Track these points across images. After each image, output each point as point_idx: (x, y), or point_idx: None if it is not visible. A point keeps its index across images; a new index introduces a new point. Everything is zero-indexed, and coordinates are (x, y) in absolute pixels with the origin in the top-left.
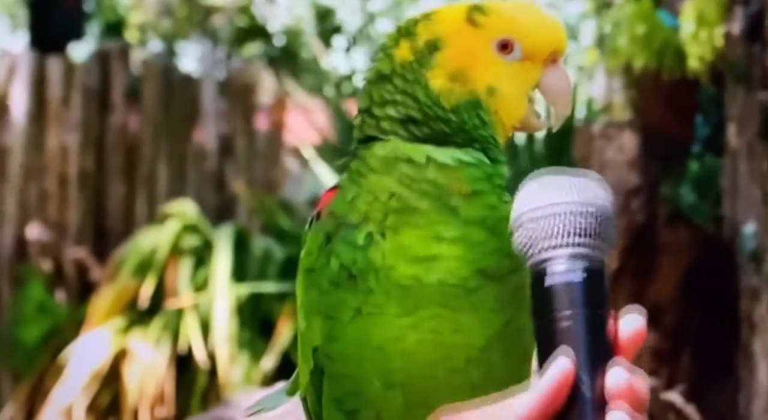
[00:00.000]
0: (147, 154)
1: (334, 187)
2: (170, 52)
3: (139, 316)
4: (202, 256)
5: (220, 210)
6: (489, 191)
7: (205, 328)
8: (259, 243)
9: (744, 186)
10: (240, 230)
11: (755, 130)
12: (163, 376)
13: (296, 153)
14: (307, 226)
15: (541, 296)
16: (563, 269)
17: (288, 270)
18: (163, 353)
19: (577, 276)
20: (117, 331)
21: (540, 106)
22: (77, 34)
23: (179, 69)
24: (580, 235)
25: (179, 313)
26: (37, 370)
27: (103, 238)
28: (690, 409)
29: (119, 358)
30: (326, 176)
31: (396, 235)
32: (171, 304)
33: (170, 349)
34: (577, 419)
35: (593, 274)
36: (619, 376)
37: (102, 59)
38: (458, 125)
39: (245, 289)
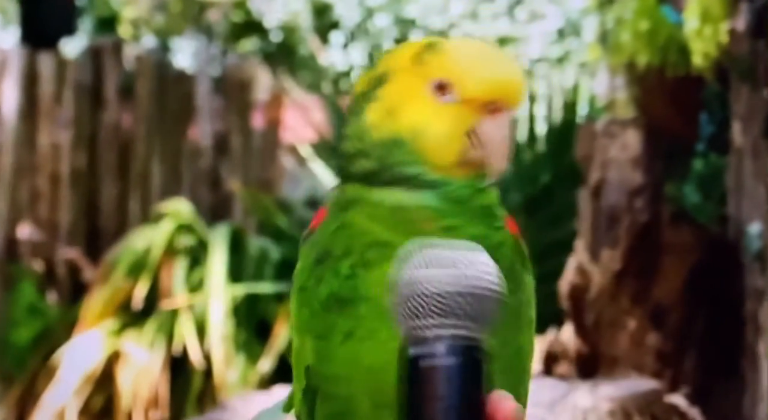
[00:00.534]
0: (141, 151)
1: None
2: (164, 48)
3: (132, 317)
4: (197, 256)
5: (215, 209)
6: (465, 224)
7: (201, 330)
8: (255, 243)
9: (749, 185)
10: (236, 230)
11: (760, 129)
12: (157, 378)
13: (293, 151)
14: (302, 241)
15: (410, 375)
16: (435, 352)
17: (285, 270)
18: (157, 355)
19: (448, 360)
20: (110, 332)
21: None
22: (69, 29)
23: (173, 65)
24: (455, 317)
25: (174, 314)
26: (29, 373)
27: (96, 237)
28: (694, 412)
29: (112, 360)
30: (323, 174)
31: (378, 268)
32: (165, 305)
33: (165, 351)
34: None
35: (466, 358)
36: None
37: (95, 55)
38: (379, 160)
39: (241, 289)
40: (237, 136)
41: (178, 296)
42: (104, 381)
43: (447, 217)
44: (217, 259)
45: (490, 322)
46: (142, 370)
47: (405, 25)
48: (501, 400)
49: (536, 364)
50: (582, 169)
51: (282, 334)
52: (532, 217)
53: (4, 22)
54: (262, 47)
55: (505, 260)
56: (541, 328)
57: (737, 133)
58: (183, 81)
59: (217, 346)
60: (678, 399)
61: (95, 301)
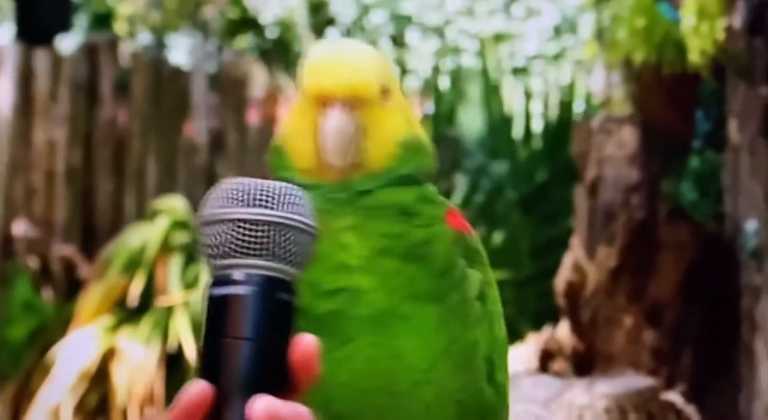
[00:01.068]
0: (136, 148)
1: None
2: (160, 45)
3: (128, 314)
4: (192, 252)
5: None
6: (363, 223)
7: (196, 326)
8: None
9: (745, 182)
10: None
11: (757, 126)
12: (152, 375)
13: None
14: None
15: (207, 307)
16: (231, 281)
17: None
18: (152, 352)
19: (244, 290)
20: (105, 329)
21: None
22: (65, 25)
23: (169, 62)
24: (254, 248)
25: (169, 311)
26: (24, 370)
27: (91, 234)
28: (690, 410)
29: (108, 357)
30: None
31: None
32: (161, 301)
33: (160, 348)
34: None
35: (265, 289)
36: (256, 406)
37: (90, 52)
38: (271, 168)
39: None
40: (233, 132)
41: (173, 293)
42: (99, 378)
43: (336, 218)
44: None
45: (297, 257)
46: (137, 367)
47: (401, 21)
48: (303, 338)
49: (532, 361)
50: (578, 166)
51: None
52: (528, 214)
53: None
54: (258, 44)
55: (437, 257)
56: (537, 325)
57: (734, 130)
58: (178, 78)
59: None
60: (674, 396)
61: (90, 298)
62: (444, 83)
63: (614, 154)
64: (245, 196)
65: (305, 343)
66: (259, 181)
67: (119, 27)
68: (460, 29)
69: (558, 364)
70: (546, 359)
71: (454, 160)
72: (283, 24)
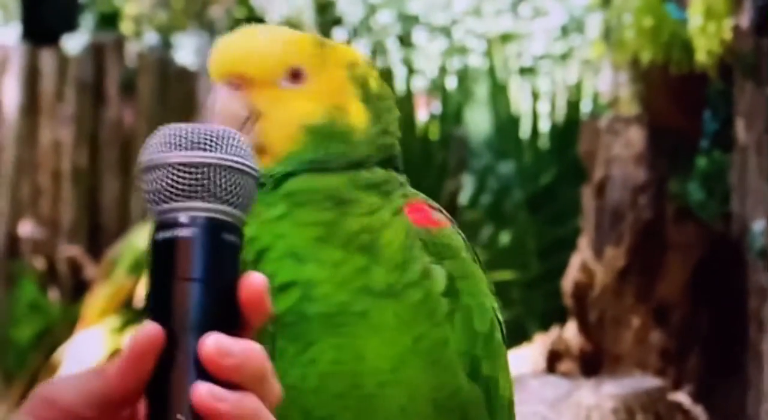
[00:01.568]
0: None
1: None
2: (166, 45)
3: (134, 315)
4: None
5: None
6: (290, 211)
7: None
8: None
9: (753, 182)
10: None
11: (764, 126)
12: None
13: None
14: None
15: (152, 252)
16: (174, 224)
17: None
18: None
19: (189, 232)
20: (111, 330)
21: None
22: (71, 25)
23: (175, 61)
24: (195, 190)
25: None
26: (30, 370)
27: (97, 235)
28: (698, 410)
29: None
30: None
31: (260, 265)
32: None
33: None
34: (177, 383)
35: (209, 232)
36: (207, 344)
37: (96, 52)
38: None
39: None
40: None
41: None
42: None
43: (266, 207)
44: None
45: (239, 199)
46: None
47: (408, 21)
48: (251, 277)
49: (539, 361)
50: (585, 166)
51: None
52: (535, 214)
53: (5, 18)
54: None
55: (388, 250)
56: (544, 326)
57: (741, 130)
58: (185, 77)
59: None
60: (681, 396)
61: (96, 299)
62: (451, 83)
63: (621, 154)
64: (184, 141)
65: (253, 282)
66: (197, 124)
67: (125, 27)
68: (467, 29)
69: (565, 365)
70: (553, 360)
71: (461, 160)
72: (290, 24)
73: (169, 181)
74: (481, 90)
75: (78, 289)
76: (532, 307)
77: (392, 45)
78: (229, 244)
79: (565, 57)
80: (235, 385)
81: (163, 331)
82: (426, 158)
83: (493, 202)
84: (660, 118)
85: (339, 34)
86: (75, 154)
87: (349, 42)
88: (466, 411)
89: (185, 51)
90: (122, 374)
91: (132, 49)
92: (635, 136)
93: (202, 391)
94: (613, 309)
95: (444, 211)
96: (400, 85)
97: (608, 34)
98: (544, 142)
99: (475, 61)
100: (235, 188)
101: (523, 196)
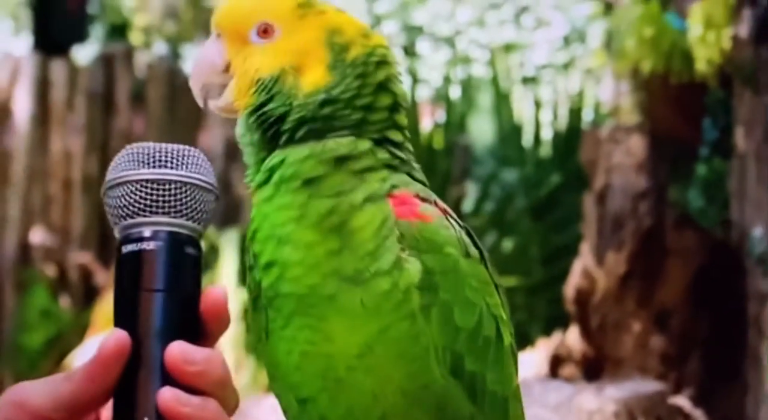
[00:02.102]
0: None
1: None
2: (175, 55)
3: None
4: (208, 260)
5: (225, 214)
6: (297, 190)
7: None
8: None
9: (752, 189)
10: (246, 234)
11: (763, 133)
12: None
13: None
14: None
15: (118, 264)
16: (138, 238)
17: None
18: None
19: (153, 245)
20: None
21: None
22: (81, 36)
23: (184, 72)
24: (158, 206)
25: None
26: (41, 376)
27: (108, 242)
28: (698, 413)
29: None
30: None
31: (252, 244)
32: None
33: None
34: (144, 388)
35: (172, 246)
36: (172, 352)
37: (106, 62)
38: None
39: None
40: None
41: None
42: None
43: (258, 188)
44: (228, 263)
45: (200, 214)
46: None
47: (413, 32)
48: (213, 290)
49: (542, 366)
50: (587, 174)
51: None
52: (538, 221)
53: (16, 29)
54: None
55: (360, 235)
56: (547, 331)
57: (740, 138)
58: None
59: (228, 349)
60: (682, 400)
61: (107, 305)
62: (455, 92)
63: (623, 162)
64: (147, 158)
65: (214, 294)
66: (160, 144)
67: (135, 37)
68: (471, 39)
69: (568, 369)
70: (556, 364)
71: (465, 168)
72: None
73: (134, 198)
74: (485, 99)
75: (88, 295)
76: (535, 312)
77: (397, 55)
78: (191, 257)
79: (567, 66)
80: (198, 390)
81: (130, 338)
82: (430, 166)
83: (496, 209)
84: (660, 126)
85: None
86: (85, 163)
87: None
88: (442, 404)
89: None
90: (90, 379)
91: (141, 59)
92: (636, 145)
93: (168, 395)
94: (615, 314)
95: (440, 202)
96: None
97: (609, 44)
98: (546, 151)
99: (479, 70)
100: (196, 204)
101: (526, 203)
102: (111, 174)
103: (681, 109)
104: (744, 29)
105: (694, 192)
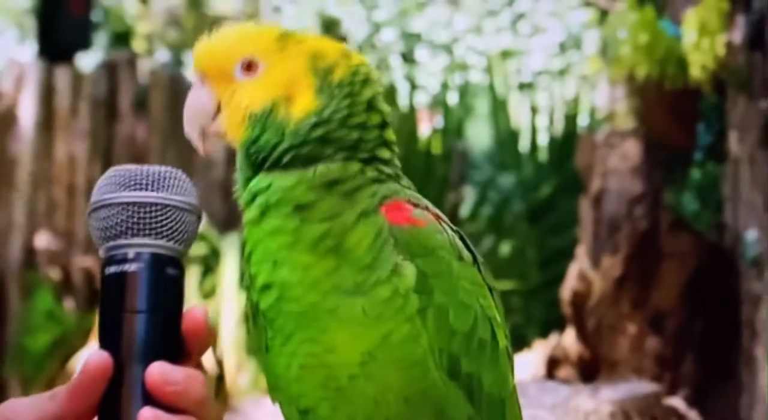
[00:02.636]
0: (154, 163)
1: None
2: (178, 62)
3: None
4: (209, 264)
5: (227, 219)
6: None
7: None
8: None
9: (745, 193)
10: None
11: (757, 138)
12: None
13: None
14: None
15: (102, 285)
16: (121, 259)
17: None
18: None
19: (135, 267)
20: None
21: None
22: (85, 43)
23: (187, 78)
24: (140, 228)
25: None
26: (46, 378)
27: None
28: (692, 414)
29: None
30: None
31: (249, 267)
32: None
33: None
34: (125, 408)
35: (153, 267)
36: (152, 372)
37: (110, 69)
38: None
39: None
40: None
41: (191, 303)
42: None
43: (246, 209)
44: (229, 267)
45: (182, 235)
46: None
47: (411, 39)
48: (193, 310)
49: (539, 368)
50: (583, 179)
51: None
52: (534, 226)
53: (21, 36)
54: None
55: (357, 250)
56: (543, 333)
57: (734, 142)
58: None
59: (229, 351)
60: (677, 401)
61: None
62: (452, 98)
63: (618, 166)
64: (128, 181)
65: (194, 315)
66: (143, 166)
67: (138, 45)
68: (468, 46)
69: (564, 371)
70: (552, 366)
71: (462, 173)
72: None
73: (117, 220)
74: (482, 105)
75: (93, 298)
76: (531, 315)
77: (396, 62)
78: (172, 278)
79: (563, 73)
80: (179, 409)
81: (111, 359)
82: (428, 171)
83: (493, 213)
84: (655, 131)
85: None
86: (89, 169)
87: None
88: (441, 408)
89: None
90: (73, 398)
91: (144, 66)
92: (631, 149)
93: (148, 416)
94: (610, 316)
95: (432, 208)
96: (403, 100)
97: (605, 51)
98: (543, 156)
99: (476, 77)
100: (177, 225)
101: (523, 207)
102: (94, 197)
103: (675, 114)
104: (738, 35)
105: (688, 196)
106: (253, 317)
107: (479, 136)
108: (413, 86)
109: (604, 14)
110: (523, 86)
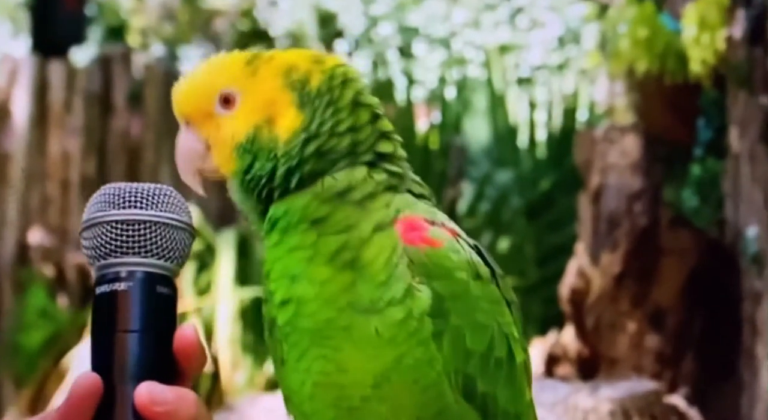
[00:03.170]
0: (149, 158)
1: None
2: (172, 56)
3: None
4: (205, 260)
5: (222, 214)
6: (303, 231)
7: (208, 333)
8: (262, 247)
9: (746, 189)
10: (243, 234)
11: (757, 134)
12: None
13: None
14: None
15: (94, 305)
16: (113, 278)
17: None
18: None
19: (126, 286)
20: None
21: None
22: (79, 38)
23: (181, 73)
24: (131, 246)
25: (182, 318)
26: (39, 376)
27: None
28: (693, 413)
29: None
30: None
31: (267, 281)
32: None
33: None
34: None
35: (145, 286)
36: (140, 393)
37: (104, 63)
38: None
39: (248, 293)
40: None
41: (186, 300)
42: None
43: (266, 236)
44: (225, 263)
45: (174, 253)
46: None
47: (408, 33)
48: (184, 329)
49: (538, 365)
50: (582, 174)
51: None
52: (533, 222)
53: (15, 31)
54: None
55: (373, 265)
56: (542, 331)
57: (734, 138)
58: None
59: (225, 348)
60: (677, 399)
61: None
62: (450, 93)
63: (617, 162)
64: (121, 200)
65: (186, 334)
66: (134, 184)
67: (132, 39)
68: (466, 41)
69: (563, 369)
70: (551, 364)
71: (460, 169)
72: (293, 36)
73: (108, 238)
74: (480, 100)
75: (86, 295)
76: (530, 312)
77: (393, 56)
78: (164, 297)
79: (561, 67)
80: None
81: (100, 380)
82: (426, 167)
83: (491, 209)
84: (655, 126)
85: (341, 46)
86: (83, 164)
87: (350, 54)
88: None
89: (191, 63)
90: (65, 417)
91: (139, 61)
92: (630, 145)
93: None
94: (610, 314)
95: (448, 223)
96: (400, 95)
97: (604, 45)
98: (541, 151)
99: (474, 71)
100: (170, 243)
101: (522, 203)
102: (85, 215)
103: (675, 109)
104: (738, 30)
105: (688, 192)
106: (270, 330)
107: (477, 131)
108: (410, 81)
109: (603, 8)
110: (522, 81)
